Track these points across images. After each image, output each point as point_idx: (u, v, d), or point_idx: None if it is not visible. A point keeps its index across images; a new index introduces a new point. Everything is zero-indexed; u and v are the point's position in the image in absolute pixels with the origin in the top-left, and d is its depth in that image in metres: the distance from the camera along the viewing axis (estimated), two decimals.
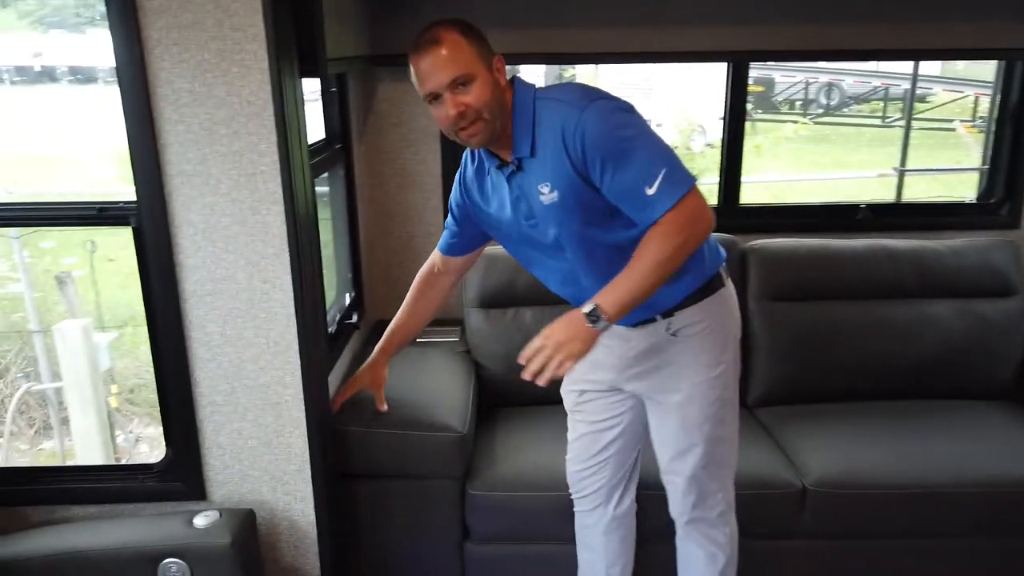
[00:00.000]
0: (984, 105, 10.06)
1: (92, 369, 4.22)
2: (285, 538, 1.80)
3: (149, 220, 1.59)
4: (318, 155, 2.05)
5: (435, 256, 1.86)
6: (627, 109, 1.44)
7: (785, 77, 10.82)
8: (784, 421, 2.28)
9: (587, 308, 1.40)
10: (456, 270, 1.87)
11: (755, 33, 2.39)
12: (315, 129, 2.34)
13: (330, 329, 2.16)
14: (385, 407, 1.91)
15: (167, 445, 1.74)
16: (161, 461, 1.74)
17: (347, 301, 2.43)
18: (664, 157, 1.41)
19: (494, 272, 2.43)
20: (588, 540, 1.89)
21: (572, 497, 1.90)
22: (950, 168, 7.73)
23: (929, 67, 12.60)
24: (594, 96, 1.43)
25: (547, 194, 1.47)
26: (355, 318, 2.35)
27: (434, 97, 1.44)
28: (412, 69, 1.44)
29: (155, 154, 1.55)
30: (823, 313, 2.41)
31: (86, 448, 4.30)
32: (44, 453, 4.83)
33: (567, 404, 1.85)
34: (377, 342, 1.96)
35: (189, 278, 1.64)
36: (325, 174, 2.27)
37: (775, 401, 2.39)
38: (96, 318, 4.82)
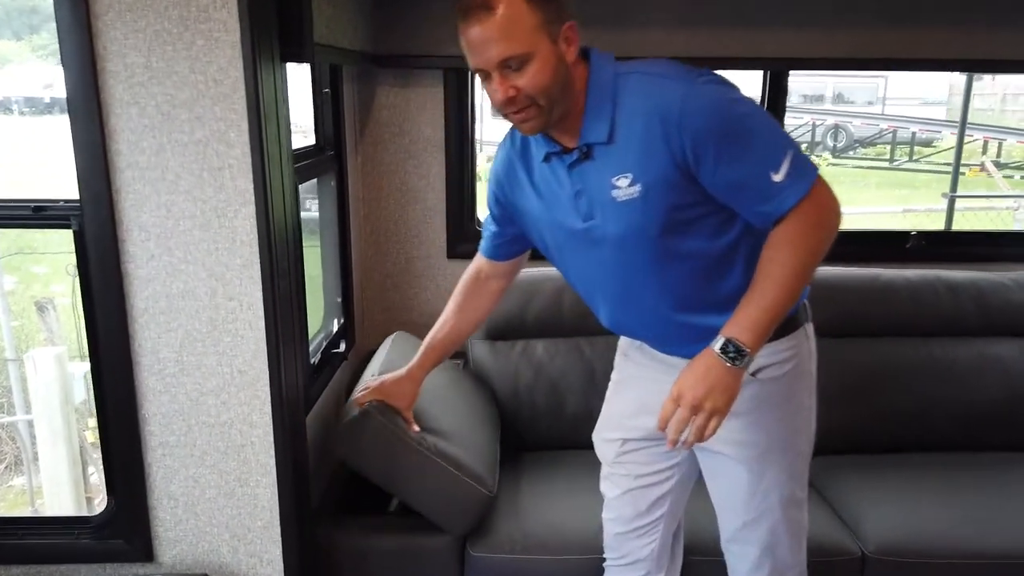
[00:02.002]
0: (992, 149, 9.99)
1: (64, 400, 3.94)
2: None
3: (93, 222, 1.33)
4: (305, 159, 1.79)
5: (479, 261, 1.59)
6: (733, 86, 1.20)
7: (793, 119, 10.70)
8: (832, 474, 1.98)
9: (718, 344, 1.17)
10: (505, 274, 1.59)
11: (796, 38, 2.15)
12: (304, 137, 2.10)
13: (313, 359, 1.88)
14: (416, 428, 1.63)
15: (108, 494, 1.45)
16: (100, 514, 1.45)
17: (334, 328, 2.15)
18: (786, 139, 1.18)
19: (507, 298, 2.15)
20: None
21: (611, 564, 1.59)
22: (1004, 195, 7.47)
23: (935, 111, 12.54)
24: (697, 70, 1.19)
25: (624, 188, 1.20)
26: (343, 347, 2.07)
27: (482, 73, 1.19)
28: (459, 34, 1.18)
29: (101, 142, 1.29)
30: (872, 351, 2.14)
31: (54, 485, 4.00)
32: (13, 491, 4.52)
33: (604, 455, 1.55)
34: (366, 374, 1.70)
35: (139, 293, 1.36)
36: (314, 182, 2.01)
37: (820, 451, 2.07)
38: (77, 347, 4.53)
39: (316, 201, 2.09)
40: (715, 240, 1.22)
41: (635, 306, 1.31)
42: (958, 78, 9.47)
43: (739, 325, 1.17)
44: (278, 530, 1.45)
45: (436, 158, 2.33)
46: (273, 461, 1.42)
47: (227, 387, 1.40)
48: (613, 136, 1.20)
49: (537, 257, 1.48)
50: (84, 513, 4.12)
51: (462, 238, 2.41)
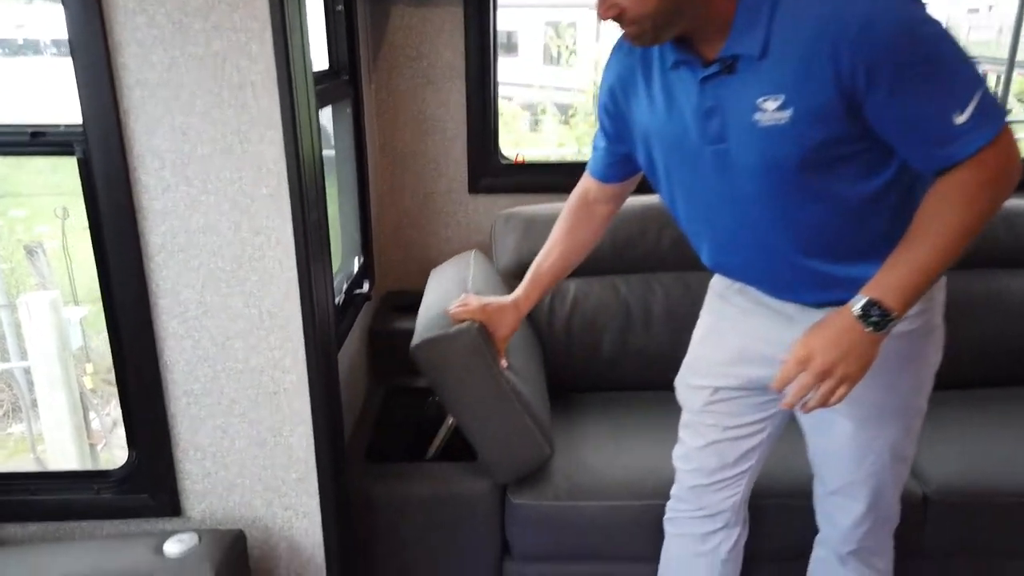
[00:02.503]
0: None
1: (62, 346, 3.82)
2: (285, 564, 1.41)
3: (99, 148, 1.18)
4: (319, 84, 1.64)
5: (587, 182, 1.45)
6: (921, 2, 1.02)
7: None
8: None
9: (858, 304, 1.04)
10: (614, 198, 1.46)
11: None
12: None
13: (336, 299, 1.76)
14: (505, 363, 1.53)
15: (130, 446, 1.34)
16: (122, 467, 1.35)
17: (355, 267, 2.02)
18: (976, 74, 1.01)
19: (535, 234, 2.03)
20: (696, 570, 1.49)
21: (682, 516, 1.50)
22: None
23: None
24: None
25: (770, 111, 1.04)
26: (366, 287, 1.95)
27: None
28: None
29: (104, 56, 1.14)
30: None
31: (55, 432, 3.93)
32: (12, 438, 4.44)
33: (690, 403, 1.44)
34: (391, 316, 1.58)
35: (155, 228, 1.23)
36: (328, 109, 1.86)
37: None
38: (68, 292, 4.38)
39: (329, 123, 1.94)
40: (863, 182, 1.07)
41: (753, 246, 1.18)
42: None
43: (887, 286, 1.04)
44: (315, 481, 1.35)
45: (455, 85, 2.17)
46: (308, 409, 1.32)
47: (255, 330, 1.28)
48: (767, 50, 1.02)
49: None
50: (89, 460, 4.05)
51: (485, 171, 2.27)
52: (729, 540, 1.46)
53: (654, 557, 1.60)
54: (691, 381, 1.42)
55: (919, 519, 1.61)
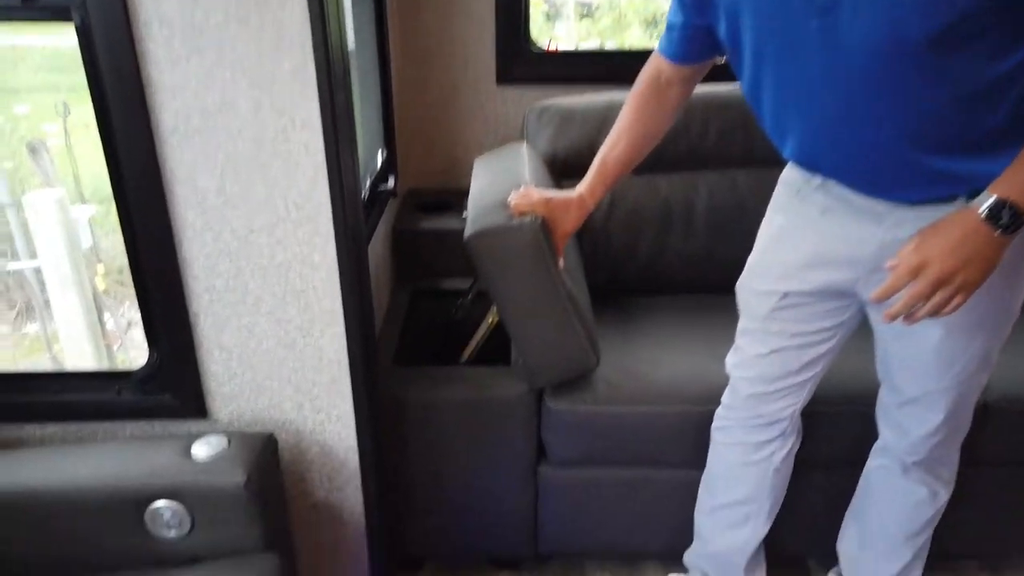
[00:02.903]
0: None
1: (71, 246, 3.74)
2: (317, 468, 1.36)
3: (99, 13, 1.04)
4: None
5: (657, 63, 1.31)
6: None
7: None
8: None
9: (986, 204, 0.95)
10: (688, 80, 1.32)
11: None
12: None
13: (362, 195, 1.65)
14: (563, 263, 1.43)
15: (150, 345, 1.26)
16: (143, 368, 1.27)
17: (379, 162, 1.90)
18: None
19: (572, 129, 1.90)
20: (747, 479, 1.44)
21: (736, 424, 1.43)
22: None
23: None
24: None
25: None
26: (391, 183, 1.83)
27: None
28: None
29: None
30: None
31: (70, 332, 3.90)
32: (28, 338, 4.44)
33: (754, 309, 1.34)
34: (415, 215, 1.47)
35: (166, 106, 1.10)
36: None
37: None
38: (74, 191, 4.27)
39: None
40: (992, 63, 0.93)
41: (854, 138, 1.05)
42: None
43: (1020, 184, 0.93)
44: (348, 384, 1.28)
45: None
46: (340, 308, 1.22)
47: (281, 223, 1.17)
48: None
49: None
50: (106, 360, 4.05)
51: (514, 61, 2.10)
52: (783, 449, 1.40)
53: (694, 464, 1.55)
54: (757, 286, 1.31)
55: (977, 428, 1.54)
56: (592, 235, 1.91)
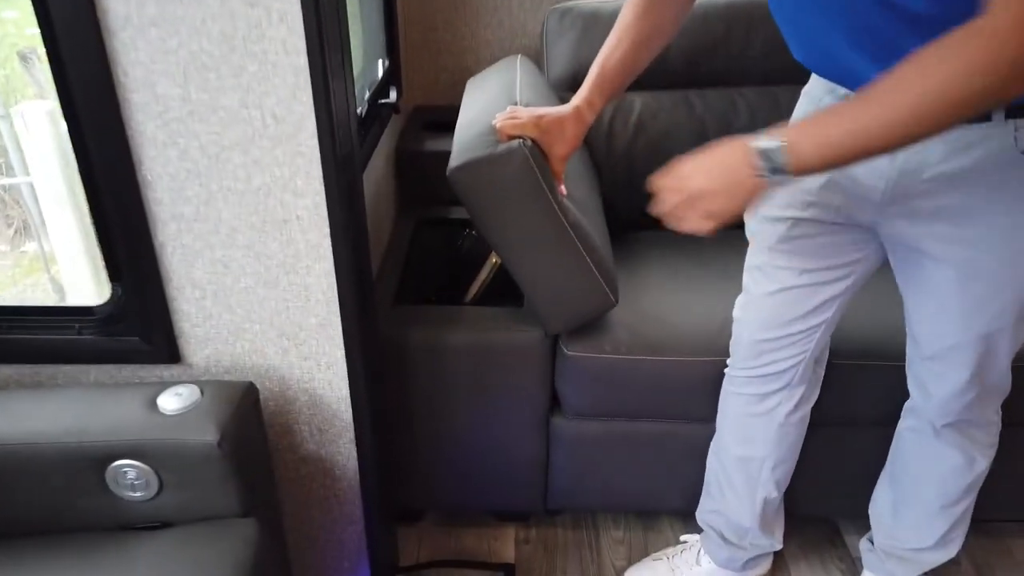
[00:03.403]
0: None
1: (64, 162, 3.56)
2: (305, 420, 1.21)
3: None
4: None
5: None
6: None
7: None
8: None
9: (766, 144, 0.86)
10: None
11: None
12: None
13: (359, 110, 1.45)
14: (564, 190, 1.26)
15: (112, 280, 1.10)
16: (105, 304, 1.11)
17: (379, 72, 1.69)
18: None
19: (597, 34, 1.67)
20: (752, 431, 1.32)
21: (740, 374, 1.30)
22: None
23: None
24: None
25: None
26: (393, 96, 1.62)
27: None
28: None
29: None
30: None
31: (68, 253, 3.77)
32: (27, 256, 4.31)
33: (761, 238, 1.19)
34: (421, 134, 1.29)
35: None
36: None
37: None
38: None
39: None
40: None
41: (816, 43, 0.98)
42: None
43: (806, 137, 0.85)
44: (339, 328, 1.12)
45: None
46: (327, 242, 1.05)
47: (257, 140, 0.99)
48: None
49: None
50: (107, 287, 3.93)
51: None
52: (789, 402, 1.27)
53: None
54: (765, 211, 1.16)
55: (1018, 386, 1.38)
56: (612, 163, 1.71)
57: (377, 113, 1.55)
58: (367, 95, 1.55)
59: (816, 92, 1.10)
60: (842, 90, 1.02)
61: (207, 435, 0.99)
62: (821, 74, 1.06)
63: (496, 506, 1.63)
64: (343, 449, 1.24)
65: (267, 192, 1.02)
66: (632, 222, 1.77)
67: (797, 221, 1.13)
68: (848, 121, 0.83)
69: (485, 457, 1.50)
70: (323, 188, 1.01)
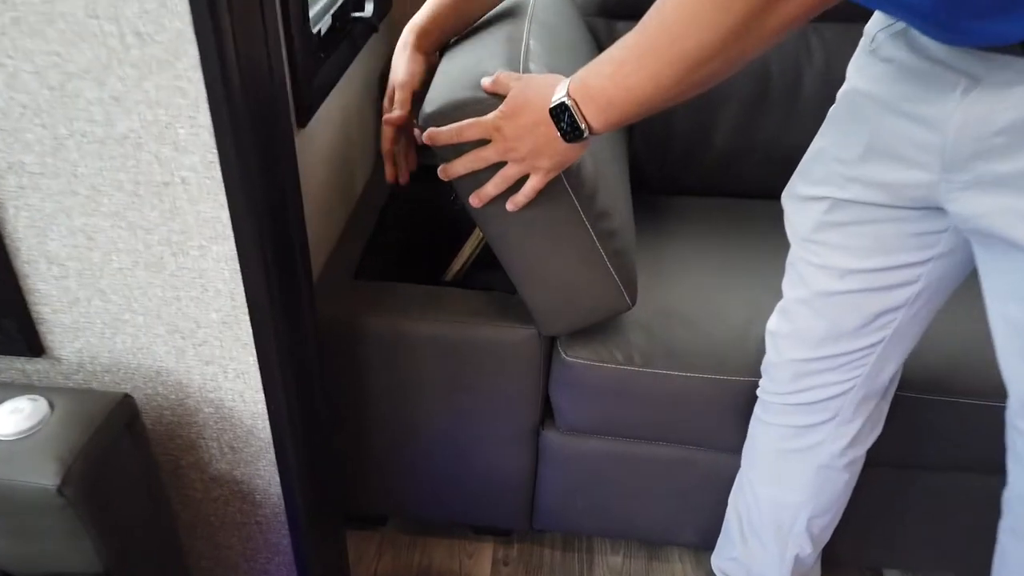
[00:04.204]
0: None
1: None
2: (212, 435, 0.93)
3: None
4: None
5: None
6: None
7: None
8: None
9: (555, 98, 0.79)
10: None
11: None
12: None
13: (319, 26, 1.12)
14: (417, 133, 0.97)
15: None
16: None
17: None
18: None
19: None
20: (786, 472, 1.05)
21: (775, 400, 1.02)
22: None
23: None
24: None
25: None
26: (369, 9, 1.29)
27: None
28: None
29: None
30: None
31: None
32: None
33: (798, 225, 0.92)
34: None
35: None
36: None
37: None
38: None
39: None
40: None
41: None
42: None
43: (589, 87, 0.78)
44: (247, 327, 0.83)
45: None
46: (227, 215, 0.75)
47: (116, 65, 0.68)
48: None
49: None
50: None
51: None
52: (836, 442, 0.99)
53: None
54: (801, 189, 0.90)
55: None
56: (646, 123, 1.37)
57: (347, 32, 1.22)
58: (333, 8, 1.20)
59: (871, 28, 0.84)
60: (899, 25, 0.78)
61: (43, 476, 0.72)
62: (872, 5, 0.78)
63: (471, 520, 1.37)
64: (263, 472, 0.97)
65: (137, 143, 0.72)
66: (662, 185, 1.44)
67: (836, 203, 0.84)
68: (618, 63, 0.75)
69: (458, 467, 1.23)
70: (214, 139, 0.70)
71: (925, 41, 0.75)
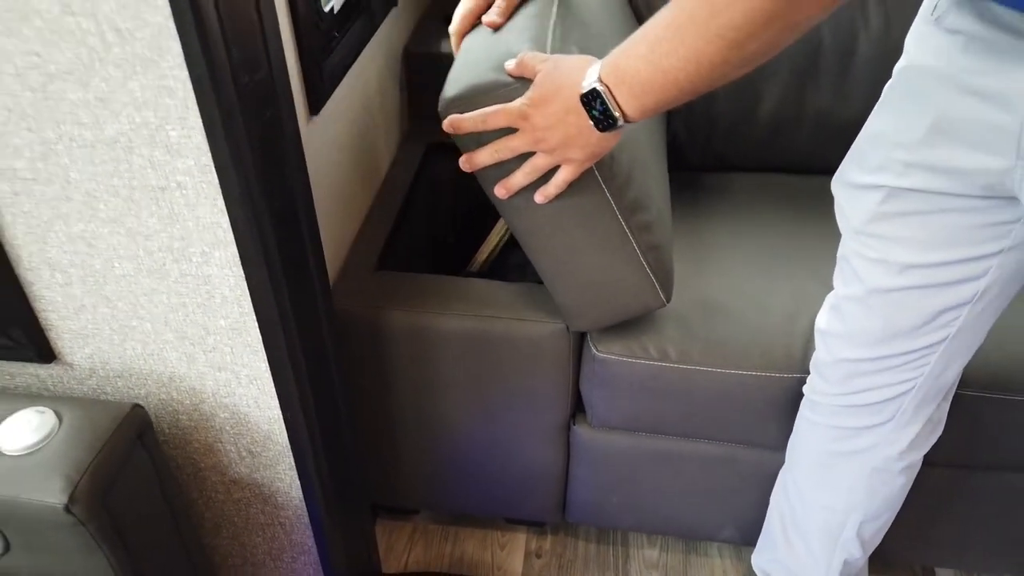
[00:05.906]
0: None
1: None
2: (230, 439, 0.91)
3: None
4: None
5: None
6: None
7: None
8: None
9: (587, 83, 0.73)
10: None
11: None
12: None
13: (331, 3, 1.05)
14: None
15: None
16: None
17: None
18: None
19: None
20: (835, 475, 0.98)
21: (826, 400, 0.95)
22: None
23: None
24: None
25: None
26: None
27: None
28: None
29: None
30: None
31: None
32: None
33: (851, 214, 0.83)
34: (436, 34, 0.96)
35: None
36: None
37: None
38: None
39: None
40: None
41: None
42: None
43: (622, 70, 0.71)
44: (256, 334, 0.79)
45: None
46: (226, 221, 0.71)
47: (98, 65, 0.63)
48: None
49: None
50: None
51: None
52: (891, 446, 0.92)
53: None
54: (854, 177, 0.81)
55: None
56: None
57: (363, 6, 1.15)
58: None
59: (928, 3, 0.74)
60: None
61: (51, 494, 0.70)
62: None
63: (503, 513, 1.34)
64: (283, 475, 0.94)
65: (127, 146, 0.67)
66: (702, 161, 1.36)
67: (893, 191, 0.76)
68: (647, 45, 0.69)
69: (488, 461, 1.19)
70: (206, 139, 0.66)
71: (998, 9, 0.65)
